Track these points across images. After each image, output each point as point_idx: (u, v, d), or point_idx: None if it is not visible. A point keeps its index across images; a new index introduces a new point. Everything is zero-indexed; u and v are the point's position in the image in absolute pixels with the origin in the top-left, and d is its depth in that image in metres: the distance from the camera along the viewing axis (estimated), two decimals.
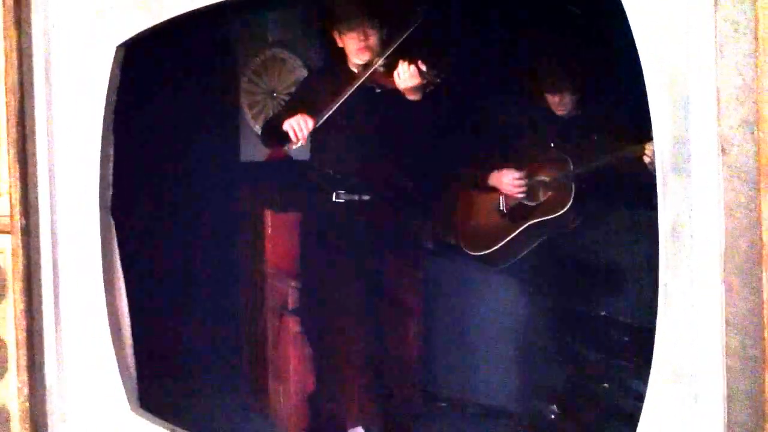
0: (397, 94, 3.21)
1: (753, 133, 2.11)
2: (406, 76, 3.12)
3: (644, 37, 2.25)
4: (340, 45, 3.42)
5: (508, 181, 3.61)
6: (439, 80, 3.12)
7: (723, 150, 2.14)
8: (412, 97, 3.18)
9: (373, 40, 3.33)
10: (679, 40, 2.20)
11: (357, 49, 3.34)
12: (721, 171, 2.15)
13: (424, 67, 3.11)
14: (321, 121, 3.28)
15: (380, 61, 3.26)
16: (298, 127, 3.26)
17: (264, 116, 4.35)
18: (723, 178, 2.14)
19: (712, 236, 2.16)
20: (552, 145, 3.61)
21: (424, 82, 3.12)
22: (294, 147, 3.35)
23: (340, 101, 3.26)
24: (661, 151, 2.27)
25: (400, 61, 3.14)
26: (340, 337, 3.55)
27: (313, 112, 3.34)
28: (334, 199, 3.40)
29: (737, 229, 2.14)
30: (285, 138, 3.33)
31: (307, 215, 3.58)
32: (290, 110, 3.45)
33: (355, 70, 3.38)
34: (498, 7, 3.89)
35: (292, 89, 4.16)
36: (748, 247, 2.14)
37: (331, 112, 3.27)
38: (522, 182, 3.59)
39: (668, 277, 2.27)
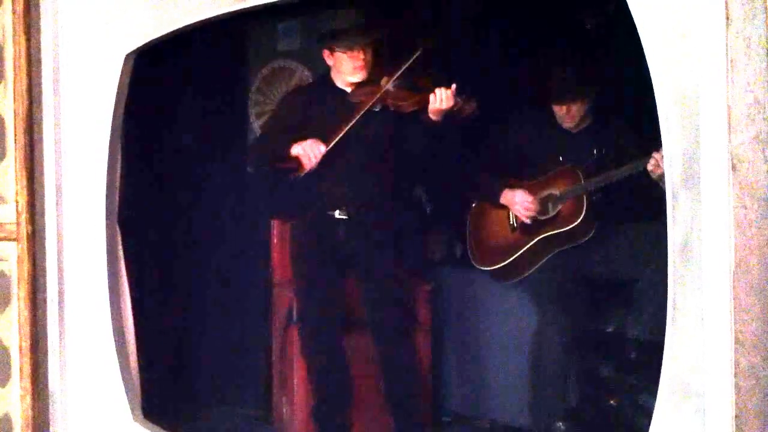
0: (404, 112, 3.21)
1: (764, 150, 2.10)
2: (444, 98, 3.11)
3: (655, 52, 2.24)
4: (330, 62, 3.38)
5: (520, 202, 3.58)
6: (471, 105, 3.13)
7: (733, 167, 2.12)
8: (435, 118, 3.16)
9: (369, 57, 3.33)
10: (691, 56, 2.19)
11: (354, 67, 3.32)
12: (731, 188, 2.13)
13: (455, 90, 3.12)
14: (331, 146, 3.25)
15: (391, 81, 3.24)
16: (313, 155, 3.24)
17: None
18: (733, 195, 2.12)
19: (722, 253, 2.14)
20: (561, 158, 3.60)
21: (457, 107, 3.12)
22: (302, 174, 3.31)
23: (351, 124, 3.23)
24: (671, 166, 2.26)
25: (438, 86, 3.14)
26: (347, 349, 3.53)
27: (305, 130, 3.31)
28: (337, 215, 3.39)
29: (747, 246, 2.12)
30: (288, 164, 3.30)
31: (314, 227, 3.56)
32: (281, 130, 3.42)
33: (347, 89, 3.36)
34: (507, 21, 3.88)
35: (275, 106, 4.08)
36: (759, 265, 2.11)
37: (342, 134, 3.24)
38: (533, 206, 3.56)
39: (677, 294, 2.25)
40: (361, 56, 3.30)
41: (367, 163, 3.38)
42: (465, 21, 3.92)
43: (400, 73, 3.24)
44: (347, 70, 3.33)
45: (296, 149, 3.28)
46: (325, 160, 3.34)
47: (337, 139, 3.24)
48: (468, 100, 3.14)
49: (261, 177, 4.37)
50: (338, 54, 3.34)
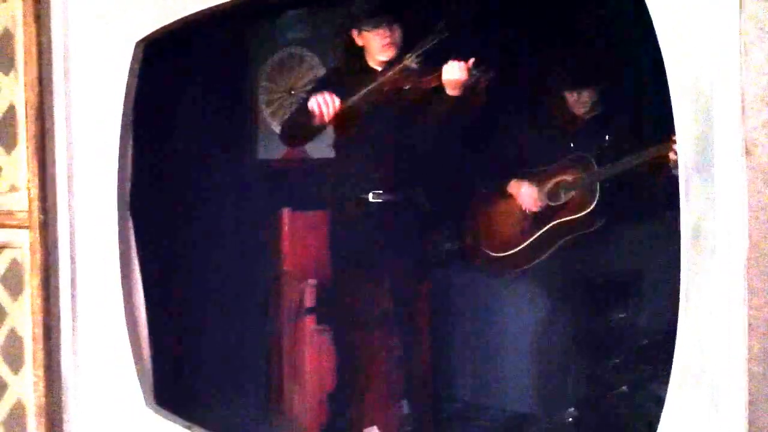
0: (427, 91, 3.20)
1: None
2: (456, 69, 3.11)
3: (668, 36, 2.22)
4: (360, 43, 3.40)
5: (525, 194, 3.58)
6: (485, 79, 3.11)
7: (747, 151, 2.10)
8: (453, 93, 3.16)
9: (398, 35, 3.33)
10: (704, 39, 2.17)
11: (382, 45, 3.33)
12: (744, 172, 2.11)
13: (471, 64, 3.12)
14: (348, 104, 3.25)
15: (412, 58, 3.25)
16: (324, 103, 3.23)
17: (281, 114, 4.34)
18: (747, 180, 2.10)
19: (735, 238, 2.12)
20: (572, 145, 3.59)
21: (473, 80, 3.11)
22: (317, 123, 3.28)
23: (369, 88, 3.23)
24: (684, 151, 2.24)
25: (453, 58, 3.14)
26: (362, 339, 3.53)
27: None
28: (371, 199, 3.38)
29: (761, 232, 2.10)
30: (311, 130, 3.29)
31: (335, 214, 3.56)
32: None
33: (378, 68, 3.37)
34: (522, 7, 3.86)
35: (310, 87, 4.12)
36: None
37: (358, 96, 3.24)
38: (537, 199, 3.56)
39: (690, 280, 2.24)
40: (388, 34, 3.31)
41: (396, 144, 3.38)
42: (484, 4, 3.91)
43: (422, 50, 3.24)
44: (376, 49, 3.35)
45: (311, 101, 3.27)
46: (354, 141, 3.35)
47: (354, 98, 3.25)
48: (484, 72, 3.13)
49: (274, 165, 4.39)
50: (366, 34, 3.36)
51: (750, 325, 2.12)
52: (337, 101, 3.24)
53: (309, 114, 3.27)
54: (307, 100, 3.47)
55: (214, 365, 4.29)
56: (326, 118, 3.25)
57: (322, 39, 4.27)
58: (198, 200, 4.26)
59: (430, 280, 3.72)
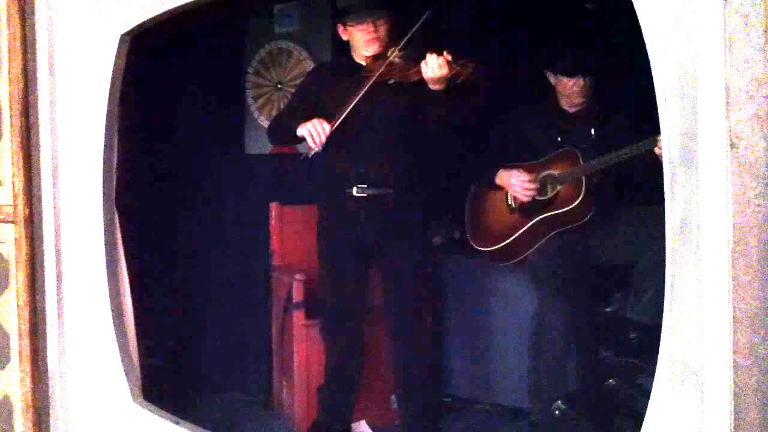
0: (412, 85, 3.19)
1: (762, 127, 2.08)
2: (435, 66, 3.09)
3: (653, 30, 2.22)
4: (345, 38, 3.39)
5: (517, 182, 3.57)
6: (468, 70, 3.10)
7: (732, 144, 2.10)
8: (435, 87, 3.15)
9: (383, 30, 3.32)
10: (689, 33, 2.17)
11: (366, 41, 3.31)
12: (730, 166, 2.11)
13: (450, 58, 3.10)
14: (338, 123, 3.25)
15: (396, 53, 3.23)
16: (316, 133, 3.24)
17: (269, 108, 4.33)
18: (732, 173, 2.11)
19: (720, 231, 2.13)
20: (559, 139, 3.59)
21: (453, 73, 3.10)
22: (312, 153, 3.32)
23: (356, 99, 3.22)
24: (669, 145, 2.24)
25: (429, 52, 3.11)
26: (352, 334, 3.53)
27: (322, 107, 3.33)
28: (355, 193, 3.37)
29: (746, 225, 2.11)
30: (300, 142, 3.33)
31: (322, 208, 3.55)
32: (298, 107, 3.44)
33: (364, 63, 3.36)
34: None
35: (298, 82, 4.11)
36: (758, 243, 2.10)
37: (348, 111, 3.23)
38: (531, 185, 3.55)
39: (675, 272, 2.24)
40: (372, 29, 3.30)
41: (381, 138, 3.36)
42: None
43: (402, 43, 3.22)
44: (360, 44, 3.34)
45: (302, 130, 3.28)
46: (339, 135, 3.32)
47: (343, 115, 3.24)
48: (465, 65, 3.12)
49: (262, 160, 4.38)
50: (350, 28, 3.34)
51: (735, 317, 2.12)
52: (327, 127, 3.24)
53: (300, 138, 3.30)
54: (294, 100, 3.49)
55: (202, 360, 4.29)
56: (318, 146, 3.26)
57: (310, 33, 4.26)
58: (185, 194, 4.25)
59: (421, 275, 3.71)
